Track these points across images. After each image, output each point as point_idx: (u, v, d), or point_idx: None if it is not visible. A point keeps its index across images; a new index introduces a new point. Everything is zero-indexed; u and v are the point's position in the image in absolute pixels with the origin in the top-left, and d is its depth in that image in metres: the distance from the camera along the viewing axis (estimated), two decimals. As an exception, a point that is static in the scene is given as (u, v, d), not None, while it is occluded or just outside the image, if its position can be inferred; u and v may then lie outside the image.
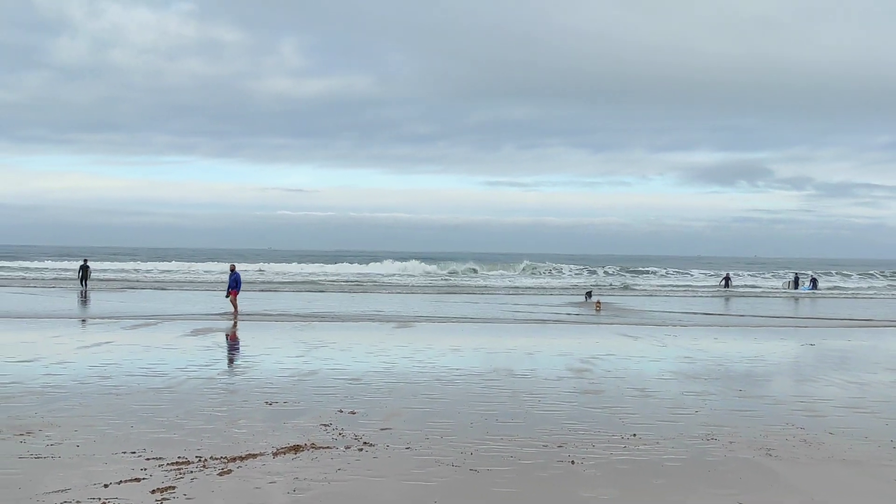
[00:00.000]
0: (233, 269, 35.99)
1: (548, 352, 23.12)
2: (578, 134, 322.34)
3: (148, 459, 10.36)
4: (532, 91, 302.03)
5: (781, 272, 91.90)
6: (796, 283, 67.65)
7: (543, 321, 34.82)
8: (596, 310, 42.87)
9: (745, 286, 72.09)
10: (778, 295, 62.08)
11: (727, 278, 70.62)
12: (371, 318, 34.05)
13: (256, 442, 11.50)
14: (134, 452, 10.71)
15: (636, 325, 33.34)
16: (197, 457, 10.55)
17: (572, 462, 10.68)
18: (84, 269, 52.08)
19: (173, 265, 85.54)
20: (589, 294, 54.12)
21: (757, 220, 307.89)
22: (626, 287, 68.82)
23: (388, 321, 32.77)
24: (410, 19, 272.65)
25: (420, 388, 16.40)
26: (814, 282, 69.41)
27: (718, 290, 65.36)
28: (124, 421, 12.77)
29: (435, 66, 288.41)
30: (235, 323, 30.77)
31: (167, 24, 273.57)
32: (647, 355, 22.74)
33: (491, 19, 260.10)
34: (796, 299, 57.70)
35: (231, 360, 20.50)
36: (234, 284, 35.05)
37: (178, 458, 10.47)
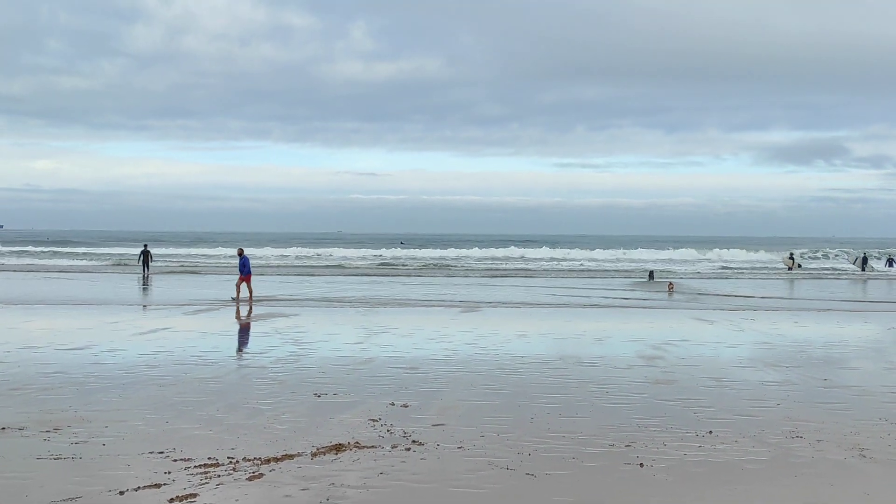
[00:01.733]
0: (241, 254, 34.99)
1: (618, 337, 22.00)
2: (650, 114, 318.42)
3: (175, 461, 9.53)
4: (603, 70, 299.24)
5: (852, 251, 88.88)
6: (864, 263, 64.45)
7: (615, 305, 33.64)
8: (669, 292, 41.57)
9: (823, 269, 69.32)
10: (854, 276, 59.58)
11: (865, 259, 66.52)
12: (443, 303, 33.19)
13: (297, 440, 10.62)
14: (162, 452, 9.89)
15: (712, 309, 31.96)
16: (229, 458, 9.70)
17: (641, 465, 9.61)
18: (145, 254, 51.89)
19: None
20: (651, 274, 52.97)
21: (834, 199, 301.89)
22: (697, 271, 66.86)
23: (454, 306, 31.86)
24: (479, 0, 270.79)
25: (480, 378, 15.42)
26: (891, 262, 66.51)
27: (793, 273, 62.85)
28: (160, 416, 11.99)
29: (504, 46, 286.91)
30: (250, 308, 29.86)
31: (238, 9, 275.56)
32: (723, 341, 21.50)
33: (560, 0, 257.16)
34: (864, 281, 55.23)
35: (286, 348, 19.69)
36: (243, 269, 33.99)
37: (209, 459, 9.63)
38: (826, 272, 63.19)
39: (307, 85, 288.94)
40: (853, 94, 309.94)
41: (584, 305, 33.11)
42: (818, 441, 10.74)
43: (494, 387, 14.61)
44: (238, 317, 26.71)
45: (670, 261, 76.80)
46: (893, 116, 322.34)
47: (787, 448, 10.44)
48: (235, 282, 33.94)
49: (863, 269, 63.31)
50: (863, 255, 66.75)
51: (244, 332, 22.98)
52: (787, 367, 17.11)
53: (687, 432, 11.20)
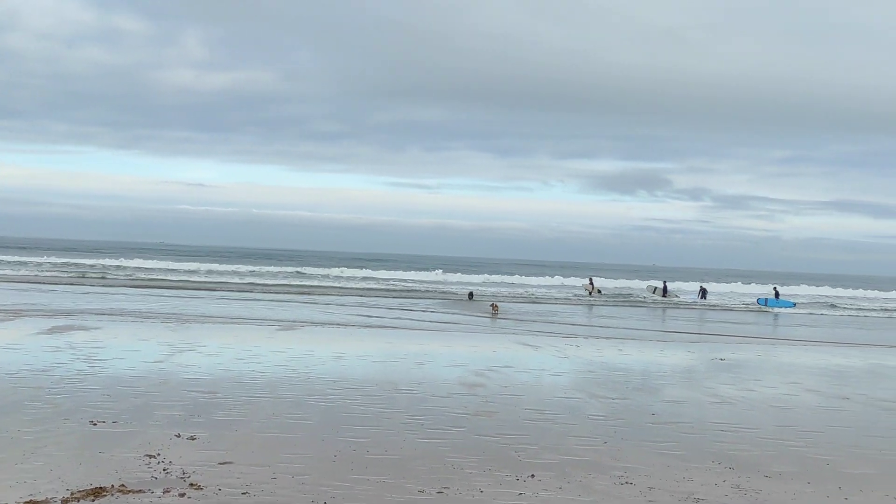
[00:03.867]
0: None
1: (440, 361, 20.85)
2: (483, 138, 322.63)
3: None
4: (438, 93, 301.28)
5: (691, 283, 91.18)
6: (665, 291, 66.26)
7: (439, 328, 32.60)
8: (492, 313, 40.97)
9: (620, 295, 70.07)
10: (653, 303, 60.58)
11: (665, 287, 68.33)
12: (253, 320, 31.42)
13: (51, 481, 8.91)
14: None
15: (537, 333, 31.27)
16: (-46, 506, 7.95)
17: (453, 516, 8.35)
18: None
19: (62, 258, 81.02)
20: (471, 294, 53.49)
21: (656, 228, 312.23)
22: (529, 294, 66.80)
23: (271, 323, 30.16)
24: (317, 15, 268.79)
25: (284, 407, 13.91)
26: (704, 292, 68.48)
27: (612, 300, 63.66)
28: None
29: (341, 64, 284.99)
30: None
31: (66, 9, 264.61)
32: (547, 368, 20.61)
33: (399, 19, 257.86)
34: (664, 308, 56.19)
35: (74, 365, 17.64)
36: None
37: (-72, 507, 7.86)
38: (621, 300, 63.65)
39: (136, 91, 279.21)
40: (677, 128, 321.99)
41: (408, 327, 31.94)
42: (650, 489, 9.70)
43: (299, 416, 13.15)
44: (32, 330, 24.31)
45: (493, 283, 76.70)
46: (712, 151, 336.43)
47: (617, 496, 9.36)
48: None
49: (664, 296, 64.97)
50: (663, 284, 68.61)
51: (32, 345, 20.71)
52: (613, 399, 16.24)
53: (507, 475, 10.01)
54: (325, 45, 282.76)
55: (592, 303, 58.41)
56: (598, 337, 30.67)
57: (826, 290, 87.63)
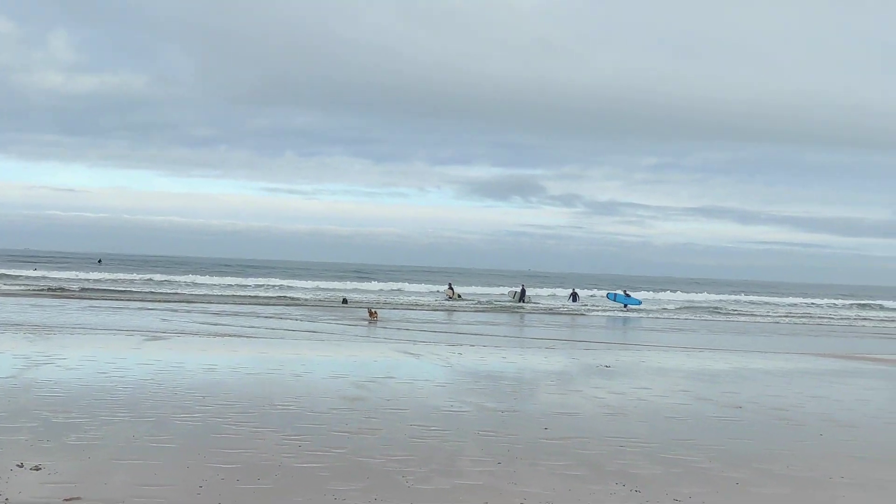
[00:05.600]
0: None
1: (318, 372, 19.70)
2: (360, 144, 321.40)
3: None
4: (314, 99, 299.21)
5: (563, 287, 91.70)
6: (522, 295, 67.14)
7: (314, 335, 31.45)
8: (370, 320, 40.05)
9: (481, 300, 69.95)
10: (514, 308, 60.60)
11: (574, 294, 69.75)
12: (120, 330, 29.70)
13: None
14: None
15: (416, 341, 30.37)
16: None
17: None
18: None
19: None
20: (345, 300, 53.64)
21: (530, 234, 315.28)
22: (406, 301, 65.97)
23: (140, 333, 28.51)
24: (190, 19, 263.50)
25: (146, 427, 12.59)
26: (575, 296, 69.62)
27: (454, 303, 63.80)
28: None
29: (215, 68, 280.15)
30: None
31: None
32: (430, 378, 19.68)
33: (274, 25, 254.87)
34: (522, 314, 56.34)
35: None
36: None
37: None
38: (483, 305, 63.20)
39: (2, 94, 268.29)
40: (550, 135, 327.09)
41: (284, 336, 30.70)
42: (553, 518, 8.82)
43: (162, 439, 11.87)
44: None
45: (369, 290, 75.66)
46: (585, 158, 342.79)
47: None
48: None
49: (521, 301, 65.55)
50: (521, 288, 69.44)
51: None
52: (502, 411, 15.37)
53: (395, 506, 9.00)
54: (197, 48, 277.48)
55: (459, 309, 57.94)
56: (479, 345, 29.93)
57: (694, 296, 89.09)
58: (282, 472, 10.24)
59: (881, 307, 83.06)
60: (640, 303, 67.50)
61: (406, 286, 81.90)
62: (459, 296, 67.78)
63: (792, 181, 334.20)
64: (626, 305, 65.31)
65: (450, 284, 71.62)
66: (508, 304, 64.41)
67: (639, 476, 10.72)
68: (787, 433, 14.36)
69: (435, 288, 77.50)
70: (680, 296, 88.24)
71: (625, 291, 71.56)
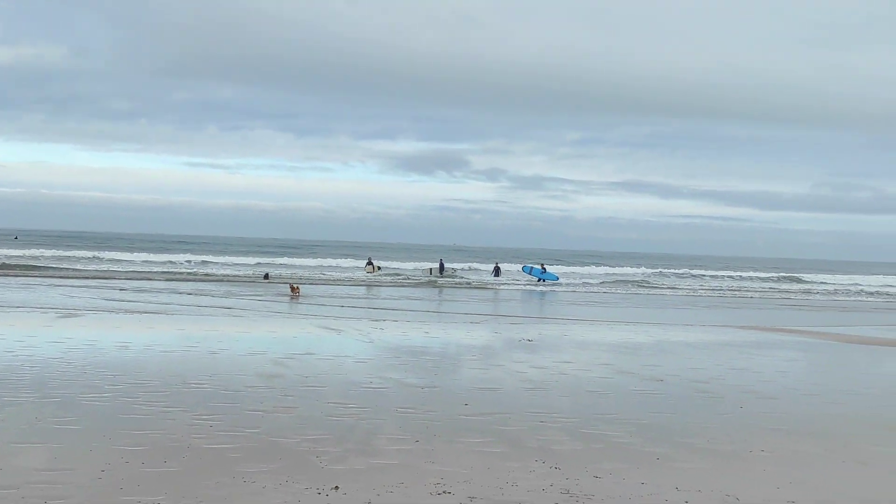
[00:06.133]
0: None
1: (236, 349, 19.21)
2: (282, 118, 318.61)
3: None
4: (237, 73, 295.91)
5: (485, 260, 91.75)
6: (441, 269, 67.55)
7: (233, 311, 30.90)
8: (292, 296, 39.58)
9: (399, 274, 69.90)
10: (472, 285, 60.57)
11: (441, 265, 69.41)
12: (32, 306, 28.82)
13: None
14: None
15: (338, 316, 29.99)
16: None
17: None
18: None
19: None
20: (267, 275, 53.28)
21: (456, 209, 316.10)
22: (330, 276, 65.42)
23: (52, 310, 27.69)
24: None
25: (51, 408, 12.05)
26: (497, 270, 69.97)
27: (377, 275, 63.92)
28: None
29: (133, 41, 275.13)
30: None
31: None
32: (351, 353, 19.34)
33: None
34: (440, 288, 56.51)
35: None
36: None
37: None
38: (403, 279, 63.11)
39: None
40: (474, 109, 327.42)
41: (203, 312, 30.09)
42: (470, 500, 8.50)
43: (68, 420, 11.35)
44: None
45: (292, 265, 74.85)
46: (510, 133, 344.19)
47: (432, 510, 8.17)
48: None
49: (440, 275, 65.77)
50: (440, 262, 69.81)
51: None
52: (422, 388, 15.11)
53: (306, 488, 8.63)
54: (115, 21, 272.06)
55: (381, 283, 57.69)
56: (402, 320, 29.66)
57: (617, 270, 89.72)
58: (190, 453, 9.84)
59: (799, 280, 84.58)
60: (556, 278, 67.50)
61: (329, 261, 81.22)
62: (379, 268, 67.73)
63: (713, 155, 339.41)
64: (541, 280, 65.47)
65: (369, 259, 71.33)
66: (427, 278, 64.46)
67: (559, 452, 10.53)
68: (707, 406, 14.32)
69: (357, 263, 76.97)
70: (603, 269, 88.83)
71: (542, 266, 71.61)
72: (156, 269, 61.26)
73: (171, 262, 71.90)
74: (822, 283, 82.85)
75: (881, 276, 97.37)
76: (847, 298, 62.08)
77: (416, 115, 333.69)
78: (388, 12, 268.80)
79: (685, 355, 21.58)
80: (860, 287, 76.03)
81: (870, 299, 62.24)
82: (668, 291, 61.48)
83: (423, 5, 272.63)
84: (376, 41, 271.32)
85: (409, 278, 63.77)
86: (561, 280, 67.23)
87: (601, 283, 69.18)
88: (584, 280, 70.91)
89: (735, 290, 65.59)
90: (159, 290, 40.88)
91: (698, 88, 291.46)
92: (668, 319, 35.50)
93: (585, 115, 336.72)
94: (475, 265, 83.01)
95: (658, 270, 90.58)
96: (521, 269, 72.12)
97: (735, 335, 28.02)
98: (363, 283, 57.76)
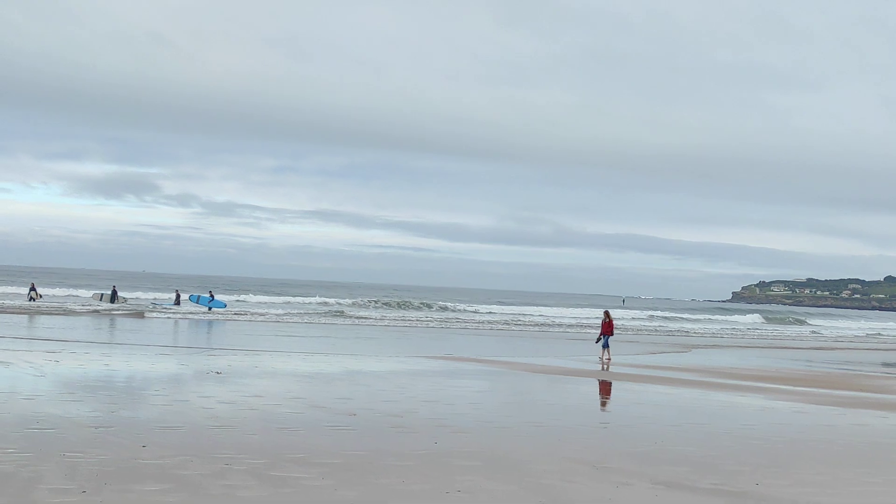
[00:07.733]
0: None
1: None
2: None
3: None
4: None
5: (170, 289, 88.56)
6: (113, 296, 65.39)
7: None
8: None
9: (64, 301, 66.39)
10: (145, 313, 57.80)
11: (114, 292, 66.15)
12: None
13: None
14: None
15: (7, 349, 27.51)
16: None
17: None
18: None
19: None
20: None
21: (145, 234, 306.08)
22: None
23: None
24: None
25: None
26: (178, 297, 68.02)
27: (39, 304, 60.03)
28: None
29: None
30: None
31: None
32: (19, 389, 17.62)
33: None
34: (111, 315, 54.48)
35: None
36: None
37: None
38: (67, 308, 59.60)
39: None
40: (165, 132, 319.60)
41: None
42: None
43: None
44: None
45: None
46: (202, 158, 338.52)
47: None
48: None
49: (112, 302, 63.96)
50: (112, 289, 67.45)
51: None
52: (96, 428, 13.74)
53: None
54: None
55: (49, 311, 54.12)
56: (79, 351, 27.64)
57: (309, 299, 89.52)
58: None
59: (447, 308, 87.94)
60: (224, 305, 66.17)
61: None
62: (41, 296, 63.97)
63: (406, 186, 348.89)
64: (210, 308, 63.73)
65: (32, 285, 66.67)
66: (97, 305, 61.48)
67: (244, 500, 9.67)
68: (402, 442, 13.85)
69: (20, 291, 71.80)
70: (297, 299, 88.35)
71: (210, 293, 70.05)
72: None
73: None
74: (489, 312, 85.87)
75: (564, 308, 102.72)
76: (530, 329, 64.52)
77: (103, 136, 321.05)
78: (71, 27, 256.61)
79: (378, 387, 21.23)
80: (540, 317, 79.92)
81: (542, 329, 65.08)
82: (359, 321, 61.55)
83: (109, 22, 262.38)
84: (58, 57, 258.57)
85: (82, 305, 60.27)
86: (226, 308, 65.60)
87: (296, 312, 68.53)
88: (276, 309, 69.98)
89: (417, 321, 66.29)
90: None
91: (390, 119, 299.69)
92: (361, 350, 35.32)
93: (279, 143, 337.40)
94: (158, 294, 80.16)
95: (354, 300, 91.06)
96: (188, 299, 69.67)
97: (426, 365, 28.13)
98: (31, 310, 53.90)
